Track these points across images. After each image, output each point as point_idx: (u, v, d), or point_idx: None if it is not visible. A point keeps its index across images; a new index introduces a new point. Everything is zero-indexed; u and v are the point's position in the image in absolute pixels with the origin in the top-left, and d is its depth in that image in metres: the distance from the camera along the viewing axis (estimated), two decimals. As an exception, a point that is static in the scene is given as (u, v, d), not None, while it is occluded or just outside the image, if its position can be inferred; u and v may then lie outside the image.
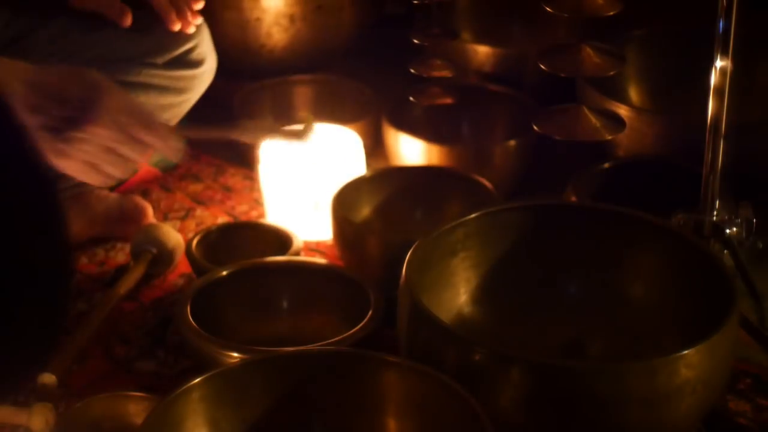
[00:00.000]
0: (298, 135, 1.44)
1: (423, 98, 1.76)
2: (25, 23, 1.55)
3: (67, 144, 1.19)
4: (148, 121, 1.25)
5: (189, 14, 1.60)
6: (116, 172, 1.25)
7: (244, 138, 1.44)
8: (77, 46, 1.55)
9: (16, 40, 1.54)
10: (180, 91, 1.64)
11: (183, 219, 1.75)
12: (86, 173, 1.23)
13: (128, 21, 1.56)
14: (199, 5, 1.63)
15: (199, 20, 1.64)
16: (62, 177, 1.51)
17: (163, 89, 1.60)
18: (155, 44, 1.60)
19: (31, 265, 0.69)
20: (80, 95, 1.20)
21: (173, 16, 1.59)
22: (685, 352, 1.05)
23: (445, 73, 1.72)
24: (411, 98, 1.76)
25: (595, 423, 1.06)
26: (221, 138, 1.47)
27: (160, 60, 1.61)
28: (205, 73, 1.68)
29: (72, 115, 1.19)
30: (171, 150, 1.30)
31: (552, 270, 1.32)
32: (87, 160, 1.22)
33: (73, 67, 1.26)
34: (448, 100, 1.75)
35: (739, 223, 1.32)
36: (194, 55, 1.65)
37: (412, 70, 1.72)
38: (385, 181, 1.62)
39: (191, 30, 1.62)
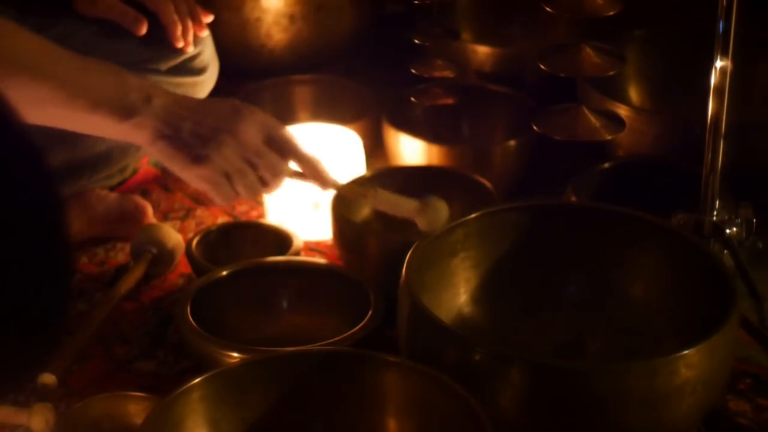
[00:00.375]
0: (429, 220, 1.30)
1: (424, 98, 1.75)
2: (29, 25, 1.55)
3: (210, 150, 1.19)
4: (292, 141, 1.24)
5: (191, 32, 1.60)
6: (246, 190, 1.22)
7: (382, 207, 1.35)
8: (80, 49, 1.55)
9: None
10: None
11: (183, 219, 1.75)
12: (217, 185, 1.21)
13: (143, 29, 1.56)
14: (208, 19, 1.63)
15: (205, 33, 1.64)
16: (62, 177, 1.52)
17: None
18: (159, 51, 1.60)
19: (32, 265, 0.69)
20: (224, 110, 1.21)
21: (178, 33, 1.59)
22: (685, 352, 1.05)
23: (447, 74, 1.72)
24: (412, 98, 1.75)
25: (595, 423, 1.06)
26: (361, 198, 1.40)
27: (163, 66, 1.61)
28: (208, 81, 1.68)
29: (215, 125, 1.19)
30: (319, 177, 1.26)
31: (552, 270, 1.32)
32: (224, 170, 1.20)
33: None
34: (450, 101, 1.75)
35: (739, 223, 1.32)
36: (197, 63, 1.65)
37: (413, 71, 1.72)
38: (385, 181, 1.62)
39: (190, 50, 1.62)
